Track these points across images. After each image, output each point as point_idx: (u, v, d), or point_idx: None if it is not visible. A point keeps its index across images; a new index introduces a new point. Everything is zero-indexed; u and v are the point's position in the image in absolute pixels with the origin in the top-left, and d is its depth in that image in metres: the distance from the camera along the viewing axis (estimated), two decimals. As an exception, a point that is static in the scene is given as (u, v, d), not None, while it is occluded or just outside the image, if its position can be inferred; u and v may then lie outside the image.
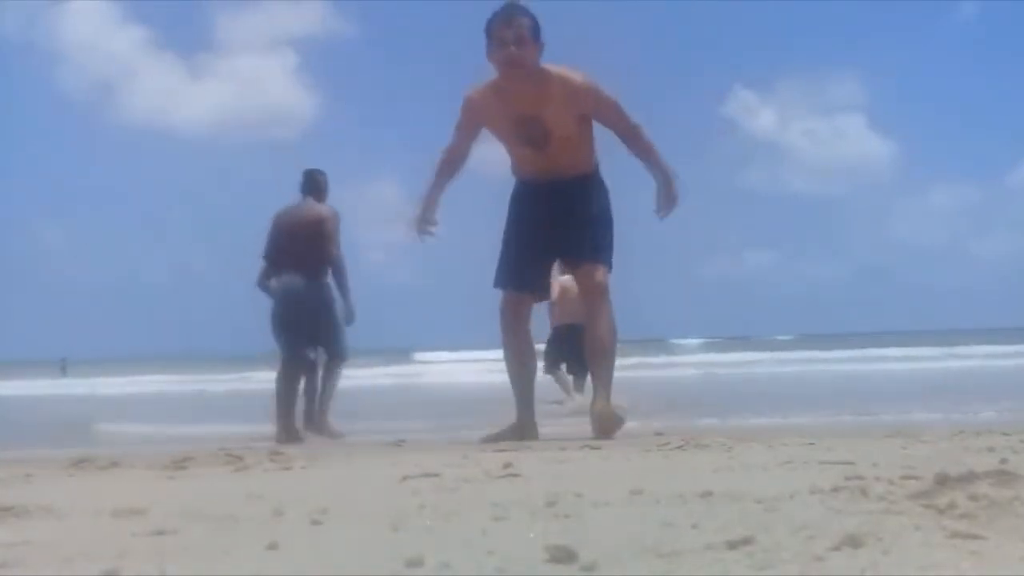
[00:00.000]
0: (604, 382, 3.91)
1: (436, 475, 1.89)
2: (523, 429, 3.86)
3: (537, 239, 3.99)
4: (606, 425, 3.65)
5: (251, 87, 78.98)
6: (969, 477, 1.43)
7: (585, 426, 3.68)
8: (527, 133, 3.89)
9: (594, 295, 4.01)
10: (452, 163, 4.18)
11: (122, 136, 75.95)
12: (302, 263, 5.98)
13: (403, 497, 1.59)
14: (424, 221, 4.18)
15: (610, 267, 4.05)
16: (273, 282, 6.06)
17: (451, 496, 1.60)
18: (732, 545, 1.07)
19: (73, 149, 79.50)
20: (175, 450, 3.09)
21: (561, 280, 8.67)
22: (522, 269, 4.03)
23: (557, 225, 3.96)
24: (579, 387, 9.50)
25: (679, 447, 2.53)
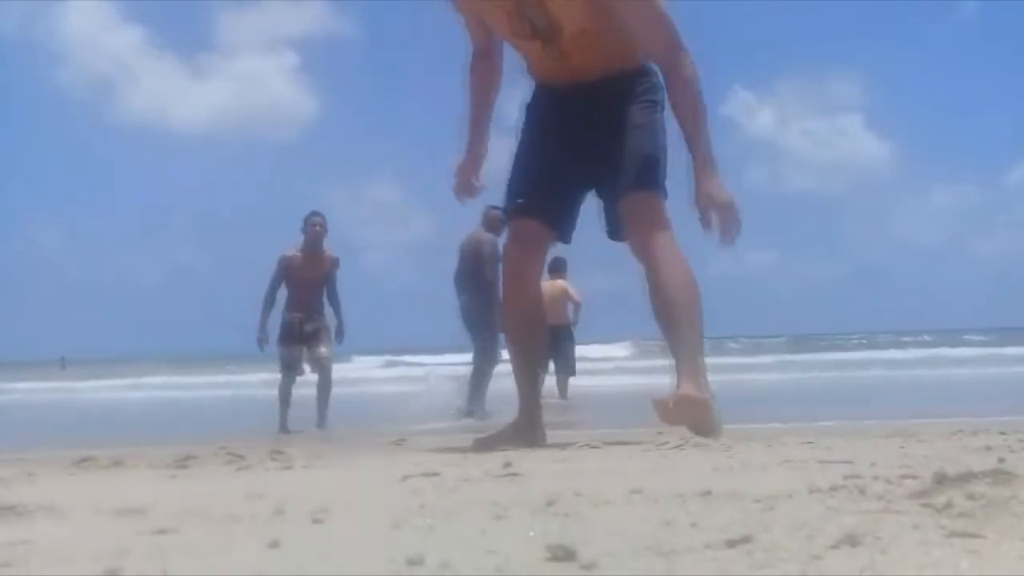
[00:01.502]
0: (689, 355, 2.81)
1: (436, 475, 1.90)
2: (526, 429, 3.02)
3: (558, 156, 3.00)
4: (697, 414, 2.71)
5: (251, 87, 79.01)
6: (967, 476, 1.43)
7: (585, 427, 3.67)
8: (529, 23, 2.89)
9: (648, 231, 2.87)
10: (483, 75, 3.19)
11: (121, 135, 75.91)
12: (472, 284, 7.73)
13: (403, 496, 1.60)
14: (464, 178, 3.24)
15: (664, 193, 2.95)
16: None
17: (451, 496, 1.60)
18: (731, 544, 1.08)
19: (72, 148, 79.45)
20: (177, 449, 3.09)
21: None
22: (534, 190, 3.02)
23: (586, 144, 2.95)
24: (563, 391, 9.73)
25: (678, 446, 2.53)
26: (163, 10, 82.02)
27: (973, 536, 1.08)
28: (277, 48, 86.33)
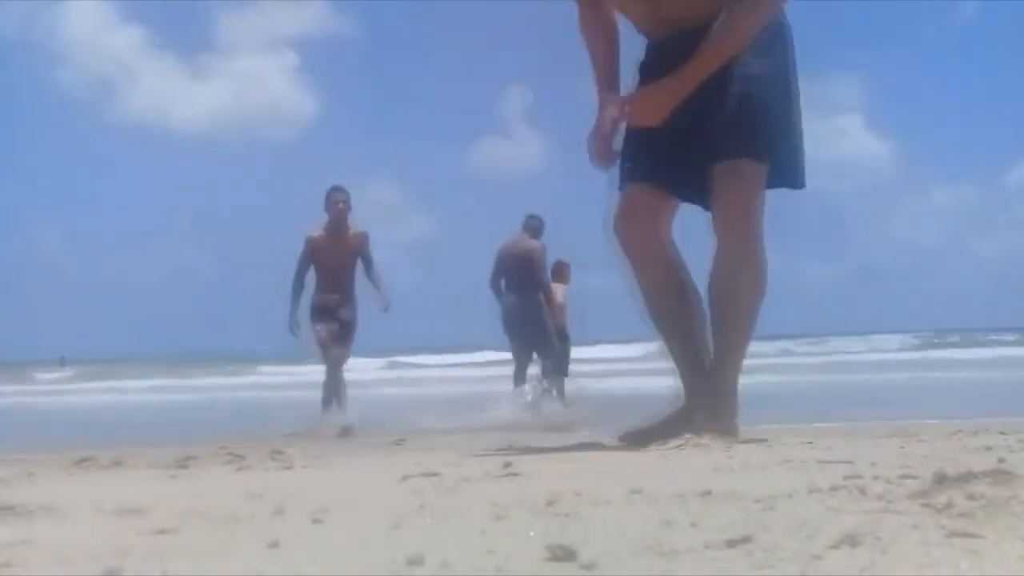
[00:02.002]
0: (728, 360, 2.67)
1: (436, 475, 1.90)
2: (692, 414, 2.66)
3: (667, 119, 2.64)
4: (719, 427, 2.55)
5: (251, 87, 78.96)
6: (967, 476, 1.43)
7: (580, 425, 3.67)
8: None
9: (733, 209, 2.61)
10: (595, 23, 2.87)
11: (121, 135, 75.86)
12: (523, 285, 8.12)
13: (403, 496, 1.60)
14: (601, 143, 2.80)
15: (765, 158, 2.62)
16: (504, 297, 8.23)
17: (451, 496, 1.60)
18: (731, 544, 1.08)
19: (72, 148, 79.36)
20: (177, 450, 3.09)
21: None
22: (644, 154, 2.74)
23: (693, 100, 2.61)
24: (559, 390, 9.95)
25: (678, 446, 2.53)
26: (163, 10, 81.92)
27: (973, 536, 1.08)
28: (277, 48, 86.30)
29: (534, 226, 8.45)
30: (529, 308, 8.21)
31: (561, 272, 9.74)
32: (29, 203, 75.68)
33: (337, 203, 6.96)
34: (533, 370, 8.56)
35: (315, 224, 7.16)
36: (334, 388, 6.93)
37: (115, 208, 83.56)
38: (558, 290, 9.76)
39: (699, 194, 2.72)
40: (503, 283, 8.37)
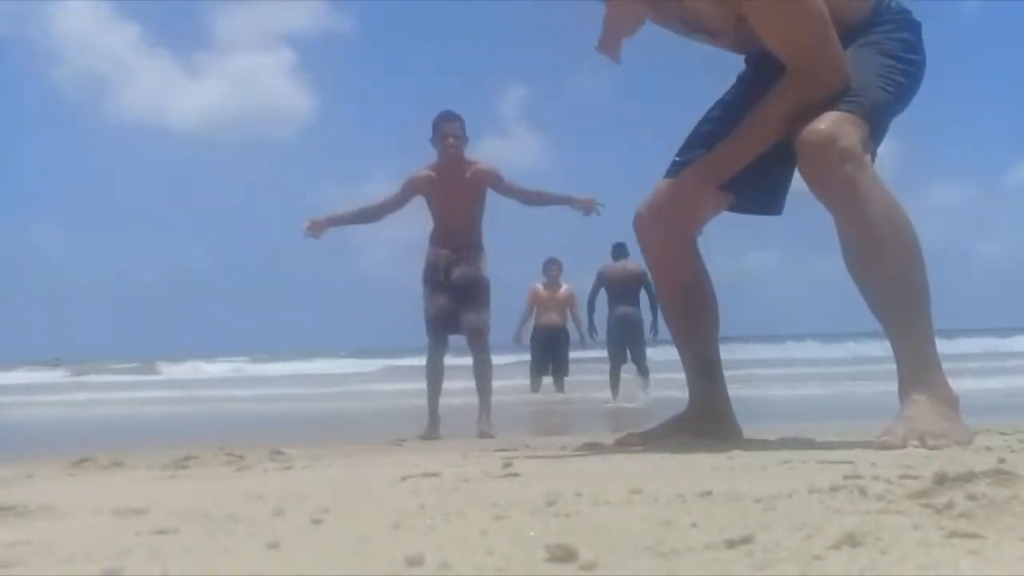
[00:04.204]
0: (908, 345, 2.30)
1: (436, 475, 1.90)
2: (696, 421, 2.66)
3: (735, 109, 2.53)
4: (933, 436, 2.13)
5: (248, 85, 79.03)
6: (967, 476, 1.43)
7: (580, 425, 3.67)
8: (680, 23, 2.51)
9: (830, 160, 2.21)
10: None
11: (118, 134, 75.86)
12: (630, 300, 10.03)
13: (403, 497, 1.60)
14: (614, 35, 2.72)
15: (868, 117, 2.31)
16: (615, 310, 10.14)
17: (451, 496, 1.60)
18: (731, 544, 1.08)
19: (68, 147, 79.31)
20: (176, 450, 3.09)
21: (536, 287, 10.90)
22: (698, 150, 2.57)
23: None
24: (559, 387, 10.57)
25: (678, 446, 2.53)
26: (158, 8, 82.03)
27: (973, 536, 1.08)
28: (274, 46, 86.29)
29: (626, 252, 9.87)
30: (637, 322, 10.00)
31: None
32: (25, 202, 75.72)
33: (446, 137, 5.34)
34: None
35: (421, 163, 5.57)
36: (475, 371, 5.49)
37: (112, 207, 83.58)
38: (564, 288, 10.61)
39: (757, 200, 2.63)
40: (607, 298, 10.16)
